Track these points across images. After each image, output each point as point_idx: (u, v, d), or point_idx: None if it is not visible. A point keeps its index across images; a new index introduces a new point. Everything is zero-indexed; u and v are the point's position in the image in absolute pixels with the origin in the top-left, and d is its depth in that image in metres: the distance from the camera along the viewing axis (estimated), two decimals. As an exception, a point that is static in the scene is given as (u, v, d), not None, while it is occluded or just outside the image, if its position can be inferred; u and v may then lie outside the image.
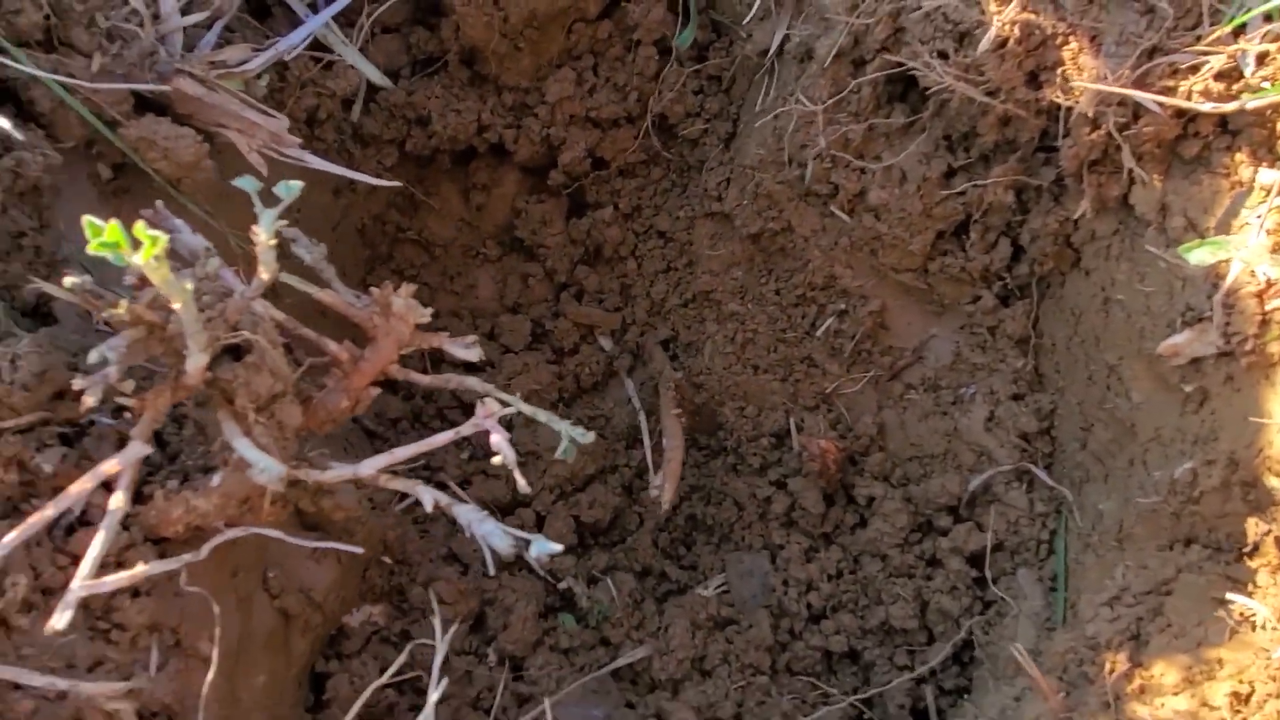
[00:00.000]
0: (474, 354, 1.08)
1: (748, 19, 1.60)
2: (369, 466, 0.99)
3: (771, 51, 1.61)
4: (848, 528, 1.70)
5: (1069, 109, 1.14)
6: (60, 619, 0.74)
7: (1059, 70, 1.13)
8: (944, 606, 1.52)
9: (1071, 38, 1.10)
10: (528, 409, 1.02)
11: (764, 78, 1.66)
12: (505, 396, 1.00)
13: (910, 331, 1.63)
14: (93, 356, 0.80)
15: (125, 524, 0.99)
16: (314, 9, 1.66)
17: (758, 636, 1.61)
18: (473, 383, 1.07)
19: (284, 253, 1.00)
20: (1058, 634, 1.26)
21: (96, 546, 0.78)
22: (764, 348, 1.78)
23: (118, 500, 0.82)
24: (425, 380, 1.08)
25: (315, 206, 1.71)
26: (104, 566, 0.98)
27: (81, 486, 0.82)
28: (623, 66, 1.84)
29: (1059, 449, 1.48)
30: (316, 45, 1.62)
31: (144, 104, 1.15)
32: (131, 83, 1.08)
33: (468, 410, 1.95)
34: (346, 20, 1.71)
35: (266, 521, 1.03)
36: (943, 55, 1.21)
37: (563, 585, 1.69)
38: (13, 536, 0.78)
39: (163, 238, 0.71)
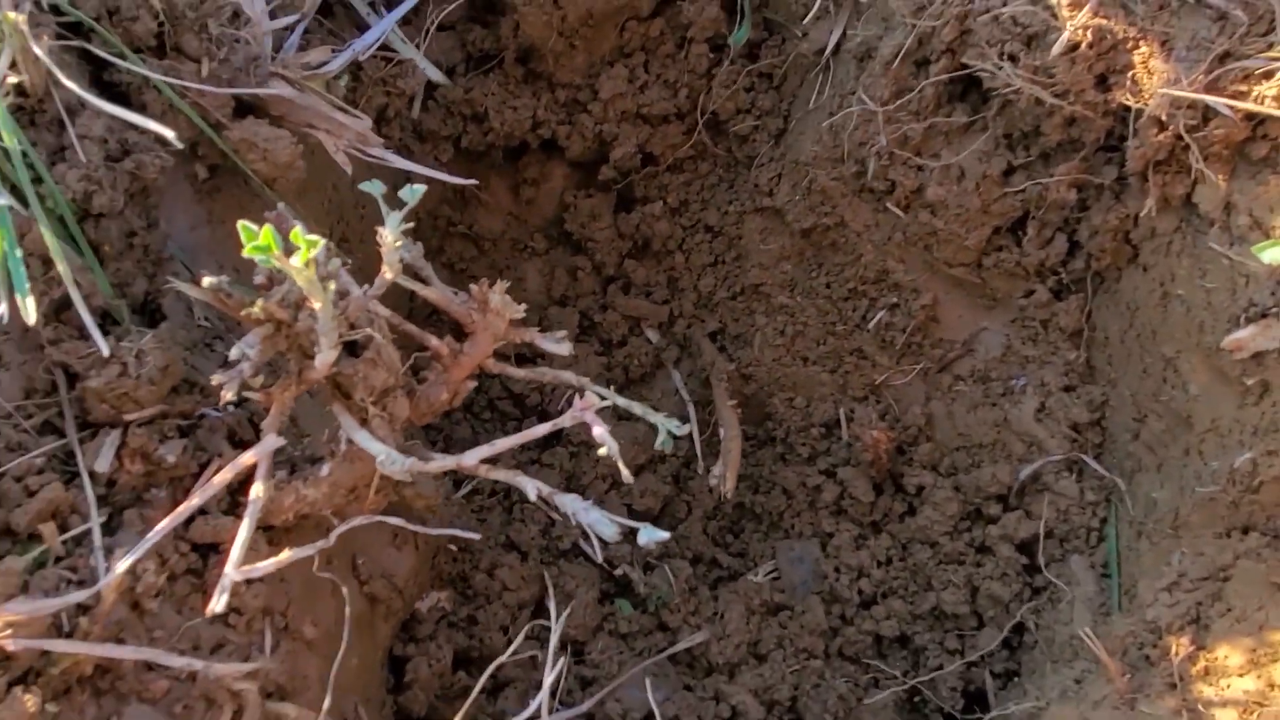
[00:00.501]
0: (565, 348, 1.12)
1: (806, 19, 1.63)
2: (472, 457, 1.03)
3: (828, 50, 1.64)
4: (896, 516, 1.75)
5: (1138, 111, 1.18)
6: (218, 603, 0.78)
7: (1129, 74, 1.17)
8: (994, 592, 1.57)
9: (1142, 42, 1.14)
10: (623, 401, 1.07)
11: (818, 76, 1.70)
12: (601, 390, 1.05)
13: (961, 324, 1.68)
14: (234, 353, 0.84)
15: (236, 513, 1.04)
16: (373, 8, 1.69)
17: (811, 621, 1.66)
18: (568, 376, 1.11)
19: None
20: (1115, 618, 1.31)
21: (244, 533, 0.83)
22: (814, 340, 1.82)
23: (258, 490, 0.87)
24: (521, 373, 1.12)
25: (376, 203, 1.75)
26: (219, 552, 1.02)
27: (224, 477, 0.86)
28: (673, 63, 1.87)
29: (1109, 439, 1.53)
30: (381, 44, 1.66)
31: (242, 106, 1.19)
32: (237, 87, 1.12)
33: (518, 401, 2.01)
34: (403, 18, 1.74)
35: (370, 509, 1.08)
36: (1012, 58, 1.24)
37: (618, 572, 1.73)
38: (165, 524, 0.82)
39: (320, 242, 0.75)
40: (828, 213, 1.71)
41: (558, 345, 1.12)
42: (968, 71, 1.34)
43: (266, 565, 0.84)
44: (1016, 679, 1.53)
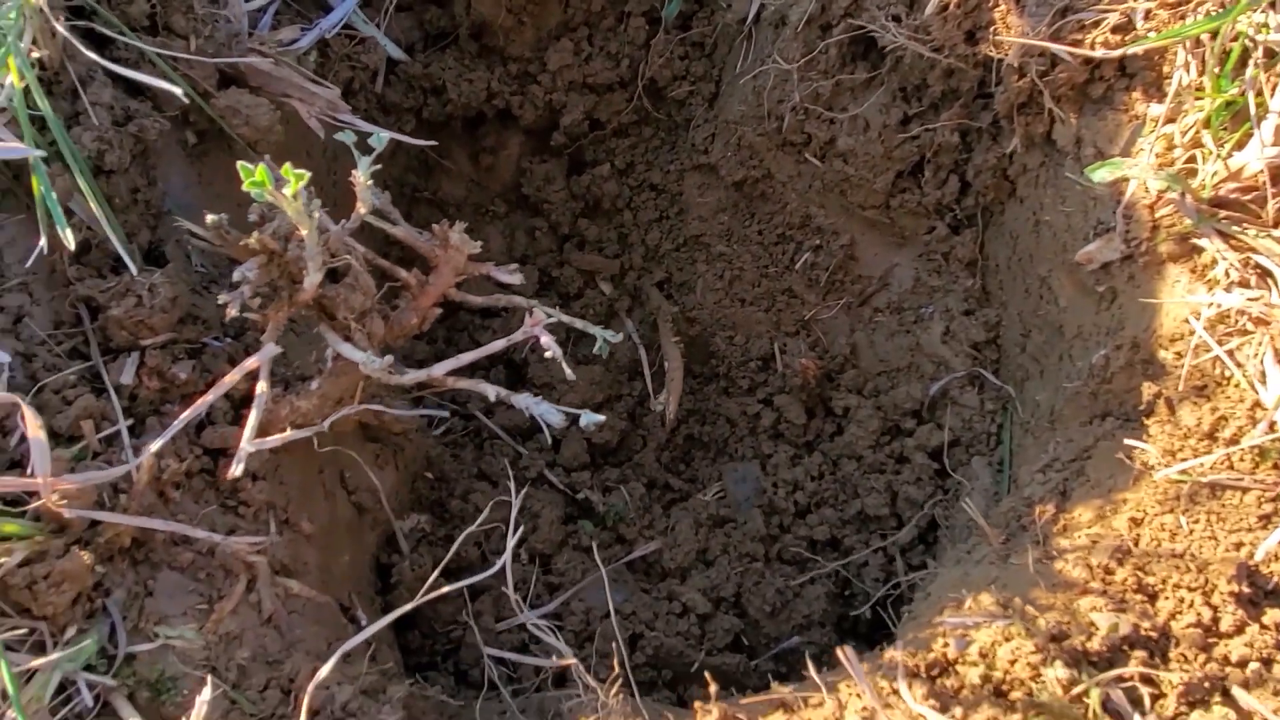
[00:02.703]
0: (517, 278, 1.31)
1: (729, -10, 1.81)
2: (440, 369, 1.22)
3: (749, 19, 1.83)
4: (827, 435, 1.95)
5: (1000, 61, 1.38)
6: (236, 469, 0.96)
7: (991, 28, 1.37)
8: (911, 495, 1.78)
9: (1001, 1, 1.34)
10: (566, 318, 1.26)
11: (743, 43, 1.88)
12: (547, 309, 1.23)
13: (876, 262, 1.88)
14: (236, 275, 1.02)
15: (239, 423, 1.22)
16: (337, -10, 1.86)
17: (752, 530, 1.86)
18: (519, 300, 1.30)
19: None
20: (1003, 500, 1.52)
21: (254, 417, 1.01)
22: (749, 283, 2.02)
23: (263, 387, 1.05)
24: (479, 300, 1.31)
25: (347, 170, 1.92)
26: (227, 455, 1.20)
27: (233, 377, 1.04)
28: (615, 36, 2.05)
29: (1003, 354, 1.74)
30: (344, 24, 1.82)
31: (224, 78, 1.36)
32: (221, 59, 1.28)
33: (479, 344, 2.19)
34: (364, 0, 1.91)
35: (356, 417, 1.26)
36: (896, 19, 1.44)
37: (580, 496, 1.93)
38: (188, 414, 1.00)
39: (305, 174, 0.92)
40: (755, 166, 1.90)
41: (510, 275, 1.31)
42: (864, 32, 1.53)
43: (273, 440, 1.02)
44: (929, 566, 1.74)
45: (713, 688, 1.00)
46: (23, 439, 1.04)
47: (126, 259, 1.05)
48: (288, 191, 0.93)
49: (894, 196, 1.75)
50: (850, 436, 1.88)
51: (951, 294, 1.78)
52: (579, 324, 1.26)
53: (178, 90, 1.01)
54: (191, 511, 1.12)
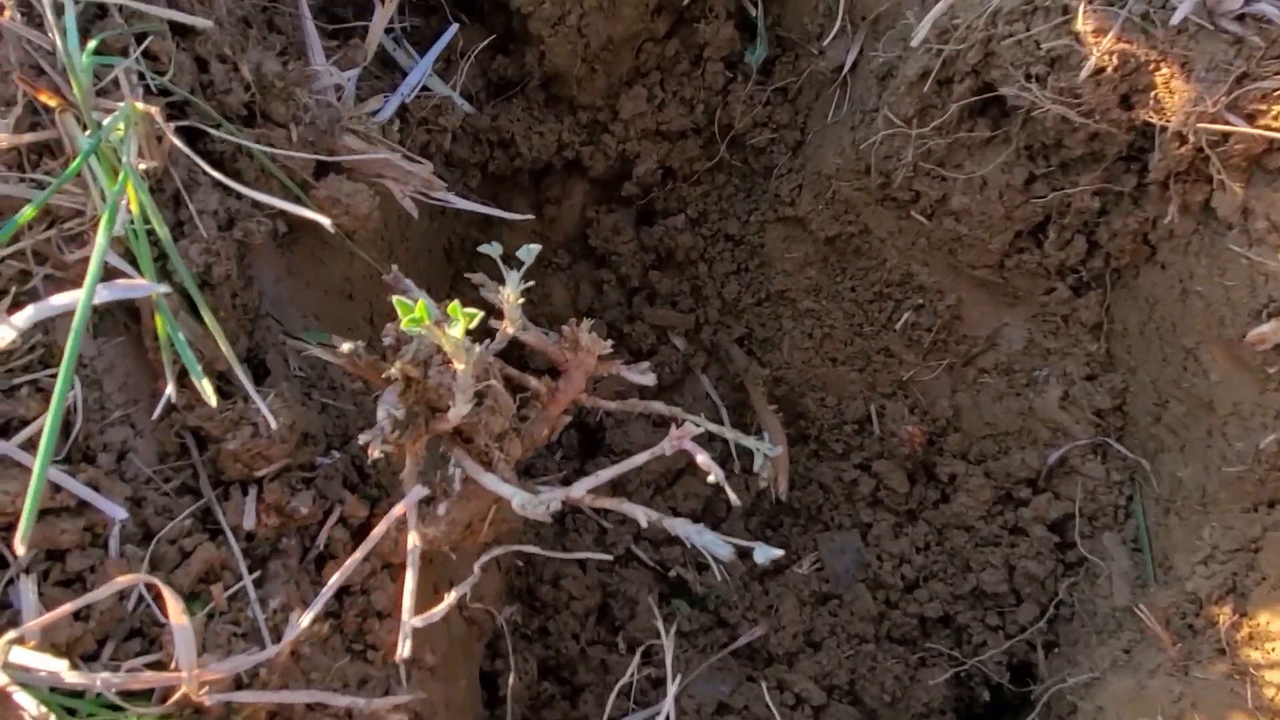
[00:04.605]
0: (649, 379, 1.20)
1: (825, 39, 1.70)
2: (580, 488, 1.10)
3: (846, 68, 1.72)
4: (931, 503, 1.85)
5: (1161, 127, 1.27)
6: (404, 648, 0.85)
7: (1151, 93, 1.26)
8: (1031, 570, 1.68)
9: (1163, 65, 1.24)
10: (714, 428, 1.14)
11: (835, 91, 1.78)
12: (692, 418, 1.12)
13: (984, 321, 1.77)
14: (380, 413, 0.90)
15: (366, 556, 1.10)
16: (397, 43, 1.74)
17: (860, 608, 1.76)
18: (658, 406, 1.18)
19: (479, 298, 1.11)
20: (1155, 591, 1.42)
21: (411, 582, 0.89)
22: (841, 341, 1.91)
23: (414, 540, 0.93)
24: (613, 405, 1.19)
25: (417, 232, 1.80)
26: (350, 593, 1.09)
27: (381, 529, 0.92)
28: (688, 81, 1.94)
29: (1130, 423, 1.64)
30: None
31: (321, 163, 1.24)
32: (319, 147, 1.16)
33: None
34: (423, 48, 1.78)
35: (482, 542, 1.15)
36: (1038, 79, 1.33)
37: (673, 574, 1.82)
38: (334, 582, 0.88)
39: (475, 314, 0.81)
40: (851, 221, 1.79)
41: (643, 377, 1.19)
42: (994, 93, 1.43)
43: (440, 609, 0.90)
44: (1056, 650, 1.64)
45: None
46: (140, 601, 0.93)
47: (250, 391, 0.94)
48: (455, 332, 0.81)
49: (1010, 256, 1.64)
50: (959, 506, 1.78)
51: (1070, 357, 1.68)
52: (729, 434, 1.15)
53: (326, 221, 0.90)
54: (324, 667, 1.00)
